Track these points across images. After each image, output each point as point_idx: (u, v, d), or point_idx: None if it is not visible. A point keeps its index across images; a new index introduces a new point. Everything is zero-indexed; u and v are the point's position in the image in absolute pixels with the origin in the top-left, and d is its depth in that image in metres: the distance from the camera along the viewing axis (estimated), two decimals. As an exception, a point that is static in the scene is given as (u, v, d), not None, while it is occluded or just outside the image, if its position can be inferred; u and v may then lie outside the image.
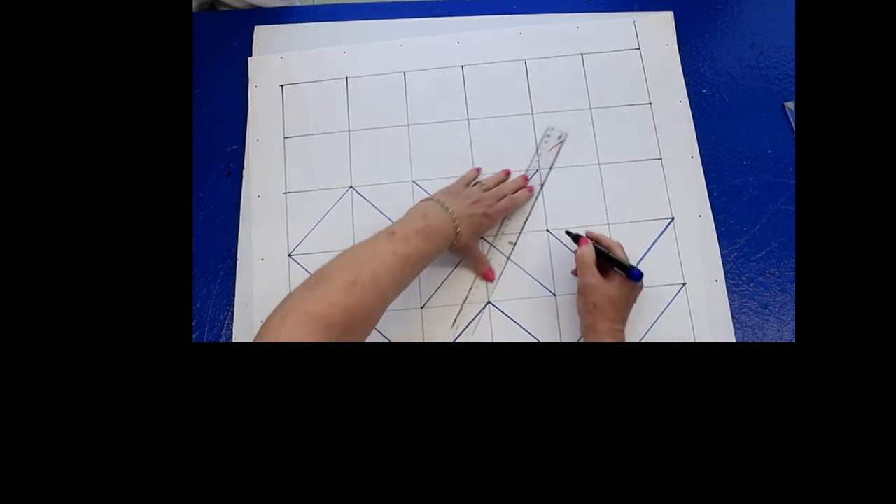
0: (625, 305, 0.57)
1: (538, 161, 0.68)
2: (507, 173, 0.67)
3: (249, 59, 0.74)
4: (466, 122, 0.70)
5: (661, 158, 0.68)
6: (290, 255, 0.67)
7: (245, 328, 0.65)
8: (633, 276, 0.56)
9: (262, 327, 0.46)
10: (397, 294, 0.54)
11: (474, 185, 0.66)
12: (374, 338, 0.64)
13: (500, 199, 0.63)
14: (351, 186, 0.69)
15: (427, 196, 0.62)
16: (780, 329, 0.63)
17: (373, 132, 0.70)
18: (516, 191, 0.65)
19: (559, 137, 0.68)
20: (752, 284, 0.64)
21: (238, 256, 0.67)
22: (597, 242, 0.60)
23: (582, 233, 0.62)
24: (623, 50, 0.72)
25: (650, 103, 0.70)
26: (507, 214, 0.66)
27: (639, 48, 0.72)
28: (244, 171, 0.70)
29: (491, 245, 0.66)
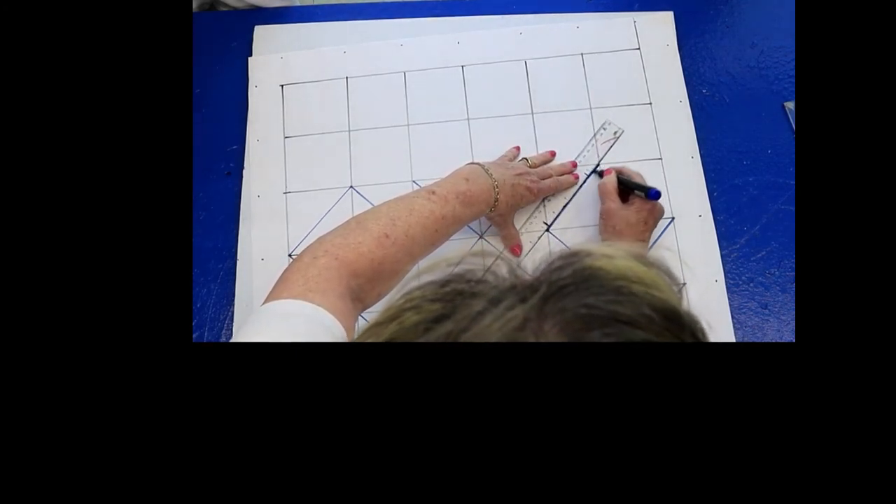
0: (643, 228, 0.60)
1: (595, 151, 0.68)
2: (553, 154, 0.68)
3: (249, 59, 0.74)
4: (466, 122, 0.70)
5: (661, 158, 0.68)
6: (290, 255, 0.67)
7: (245, 328, 0.65)
8: (651, 195, 0.59)
9: (292, 264, 0.47)
10: (427, 253, 0.54)
11: (520, 160, 0.66)
12: (374, 338, 0.64)
13: (544, 178, 0.64)
14: (351, 186, 0.69)
15: (472, 161, 0.62)
16: (780, 329, 0.63)
17: (373, 132, 0.70)
18: (562, 174, 0.66)
19: (615, 133, 0.68)
20: (752, 284, 0.64)
21: (238, 256, 0.67)
22: (619, 173, 0.63)
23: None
24: (623, 50, 0.72)
25: (650, 103, 0.70)
26: (548, 195, 0.66)
27: (639, 48, 0.72)
28: (244, 171, 0.70)
29: (526, 221, 0.67)
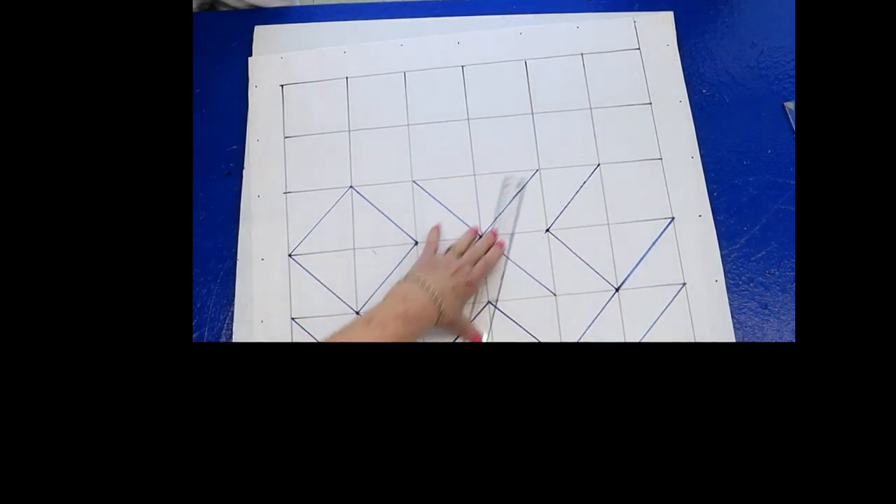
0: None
1: (507, 212, 0.66)
2: (475, 232, 0.66)
3: (249, 59, 0.74)
4: (466, 122, 0.70)
5: (661, 158, 0.68)
6: (290, 255, 0.67)
7: (245, 328, 0.65)
8: None
9: None
10: None
11: (446, 251, 0.65)
12: (374, 338, 0.64)
13: (475, 263, 0.62)
14: (351, 186, 0.69)
15: (407, 276, 0.60)
16: (780, 329, 0.63)
17: (373, 132, 0.70)
18: (488, 249, 0.64)
19: (518, 185, 0.67)
20: (752, 284, 0.64)
21: (238, 256, 0.67)
22: None
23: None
24: (623, 50, 0.72)
25: (650, 103, 0.70)
26: (484, 276, 0.64)
27: (639, 48, 0.72)
28: (244, 171, 0.70)
29: (472, 309, 0.64)
